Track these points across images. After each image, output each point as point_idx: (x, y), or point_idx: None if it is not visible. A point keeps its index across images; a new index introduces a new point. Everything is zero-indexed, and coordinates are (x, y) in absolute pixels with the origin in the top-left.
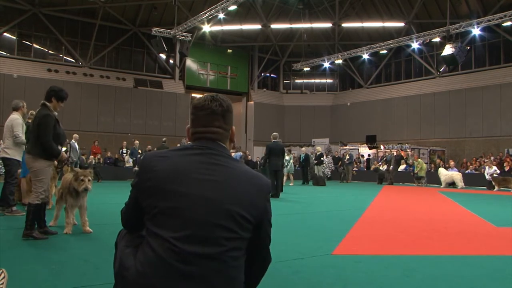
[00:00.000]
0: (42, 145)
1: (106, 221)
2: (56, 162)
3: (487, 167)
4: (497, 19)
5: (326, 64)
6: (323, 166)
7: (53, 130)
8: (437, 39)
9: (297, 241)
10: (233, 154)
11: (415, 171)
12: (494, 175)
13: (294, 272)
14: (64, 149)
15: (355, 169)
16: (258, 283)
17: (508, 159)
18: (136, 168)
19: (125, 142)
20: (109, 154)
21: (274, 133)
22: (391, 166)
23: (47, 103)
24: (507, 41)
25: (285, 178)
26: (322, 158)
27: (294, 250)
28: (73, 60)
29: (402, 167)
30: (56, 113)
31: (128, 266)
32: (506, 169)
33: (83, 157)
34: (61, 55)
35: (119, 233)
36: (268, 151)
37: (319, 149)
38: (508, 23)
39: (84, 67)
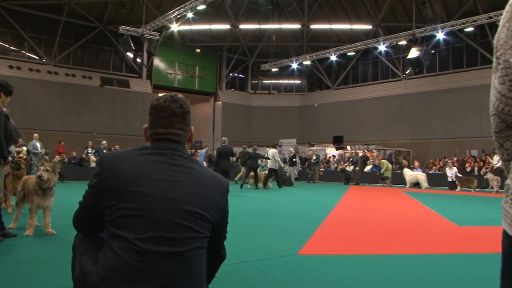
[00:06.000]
0: None
1: (69, 222)
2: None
3: (447, 168)
4: (459, 25)
5: (294, 65)
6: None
7: (4, 127)
8: (403, 42)
9: (264, 242)
10: (199, 152)
11: (381, 172)
12: (458, 175)
13: (262, 272)
14: (25, 148)
15: (322, 169)
16: (213, 278)
17: (469, 160)
18: None
19: (90, 142)
20: (74, 153)
21: (223, 137)
22: (357, 167)
23: None
24: (470, 46)
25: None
26: (294, 159)
27: (261, 251)
28: (37, 57)
29: (368, 168)
30: (5, 109)
31: (89, 271)
32: (468, 169)
33: (47, 157)
34: (24, 52)
35: (76, 236)
36: (218, 154)
37: (292, 150)
38: (470, 29)
39: (49, 65)
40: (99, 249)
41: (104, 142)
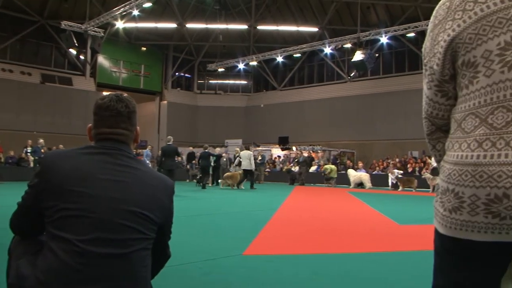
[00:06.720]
0: None
1: (5, 225)
2: None
3: (390, 174)
4: (402, 30)
5: (241, 66)
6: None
7: None
8: (349, 45)
9: (208, 242)
10: (144, 151)
11: (326, 173)
12: (399, 176)
13: (205, 273)
14: None
15: (267, 170)
16: (155, 276)
17: (411, 161)
18: None
19: (30, 141)
20: (12, 153)
21: (168, 136)
22: (303, 167)
23: None
24: (411, 51)
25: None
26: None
27: (205, 251)
28: None
29: (313, 168)
30: None
31: (26, 275)
32: (409, 170)
33: None
34: None
35: (12, 239)
36: (162, 152)
37: (238, 150)
38: (412, 34)
39: None
40: (38, 252)
41: (41, 140)
